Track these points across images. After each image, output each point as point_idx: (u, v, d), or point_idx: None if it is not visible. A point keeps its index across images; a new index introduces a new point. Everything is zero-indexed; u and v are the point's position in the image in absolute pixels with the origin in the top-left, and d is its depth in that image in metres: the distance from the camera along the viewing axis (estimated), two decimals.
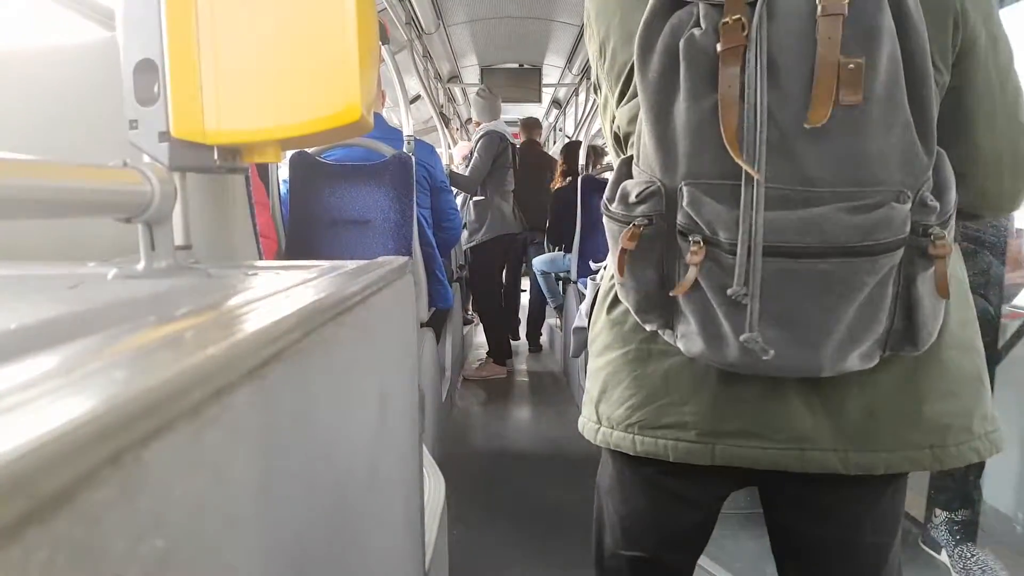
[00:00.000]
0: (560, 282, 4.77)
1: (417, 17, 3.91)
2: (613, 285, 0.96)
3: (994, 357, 1.88)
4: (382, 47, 2.90)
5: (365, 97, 0.59)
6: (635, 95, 0.85)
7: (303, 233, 2.78)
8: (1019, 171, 0.86)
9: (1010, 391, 1.86)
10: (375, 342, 0.63)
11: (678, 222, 0.79)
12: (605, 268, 1.04)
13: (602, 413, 0.98)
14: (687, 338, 0.85)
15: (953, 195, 0.77)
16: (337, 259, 0.70)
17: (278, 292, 0.47)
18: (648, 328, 0.90)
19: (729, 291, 0.76)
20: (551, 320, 5.51)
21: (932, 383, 0.88)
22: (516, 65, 5.91)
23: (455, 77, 6.22)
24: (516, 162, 4.69)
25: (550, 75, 6.11)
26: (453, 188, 4.99)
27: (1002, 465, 1.85)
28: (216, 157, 0.64)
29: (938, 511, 1.96)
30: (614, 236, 0.86)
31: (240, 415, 0.31)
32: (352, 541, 0.55)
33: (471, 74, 6.13)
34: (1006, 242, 1.89)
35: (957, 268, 0.91)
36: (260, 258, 0.91)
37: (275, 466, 0.36)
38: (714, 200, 0.76)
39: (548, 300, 5.02)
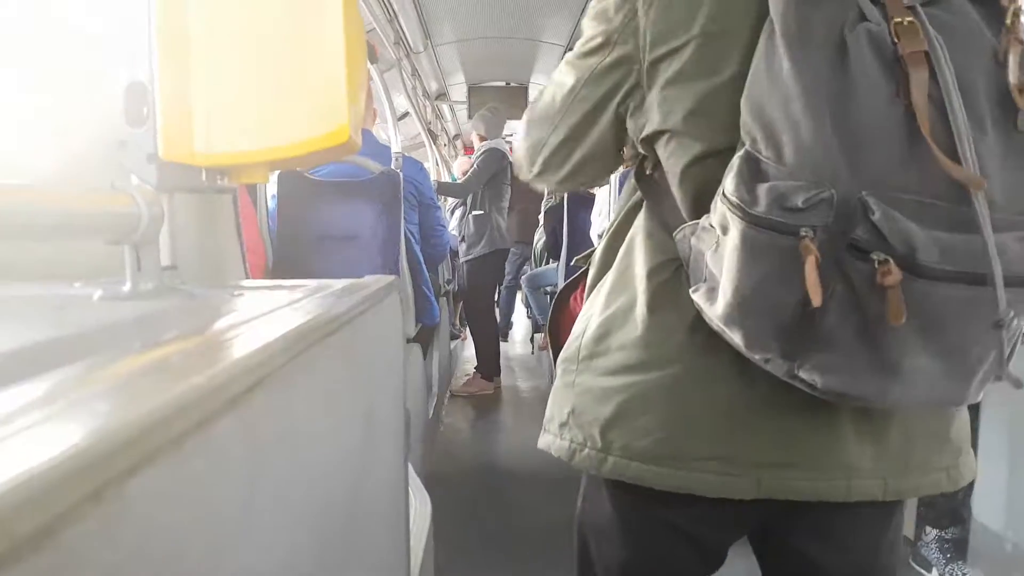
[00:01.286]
0: (548, 297, 4.78)
1: (405, 36, 3.92)
2: (648, 294, 0.87)
3: None
4: (371, 66, 2.91)
5: (353, 118, 0.59)
6: (710, 75, 0.77)
7: (291, 249, 2.77)
8: None
9: (999, 408, 1.87)
10: (360, 363, 0.63)
11: (857, 236, 0.68)
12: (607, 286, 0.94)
13: (613, 441, 0.86)
14: (826, 372, 0.74)
15: None
16: (325, 275, 0.70)
17: (262, 315, 0.47)
18: (757, 357, 0.76)
19: (997, 318, 0.68)
20: (538, 334, 5.51)
21: (955, 413, 0.87)
22: (503, 83, 5.96)
23: (443, 95, 6.26)
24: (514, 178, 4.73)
25: (536, 93, 6.17)
26: (449, 199, 5.03)
27: (992, 482, 1.86)
28: (204, 178, 0.64)
29: (928, 529, 1.96)
30: (756, 248, 0.71)
31: (223, 444, 0.30)
32: (337, 567, 0.54)
33: (458, 92, 6.17)
34: None
35: None
36: (247, 277, 0.90)
37: (258, 494, 0.36)
38: (905, 215, 0.67)
39: (538, 318, 5.03)
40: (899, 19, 0.68)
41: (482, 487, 3.00)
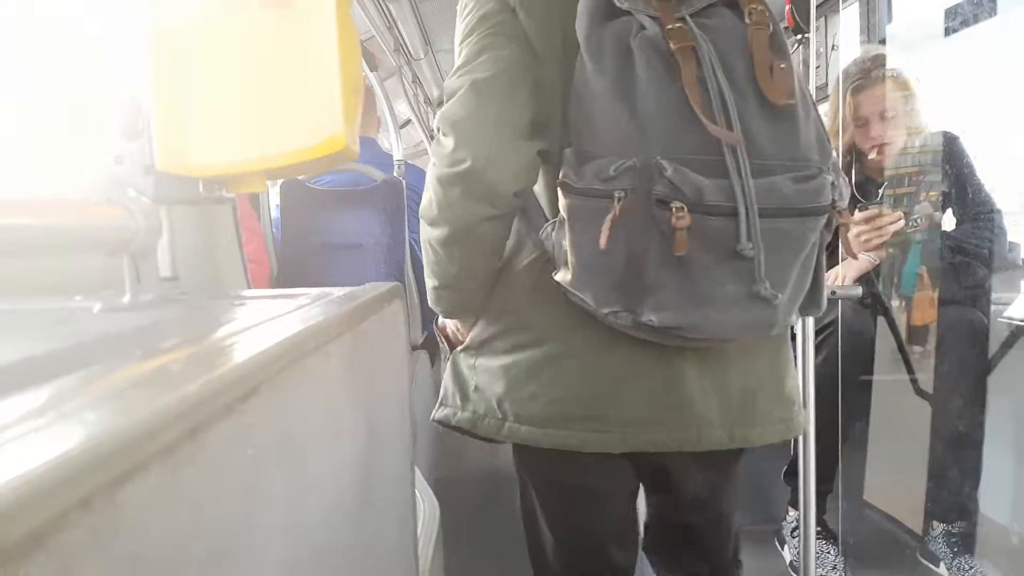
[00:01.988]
0: None
1: (405, 44, 3.94)
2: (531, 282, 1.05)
3: (985, 367, 1.88)
4: (371, 74, 2.92)
5: (349, 126, 0.60)
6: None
7: (295, 258, 2.78)
8: None
9: (1001, 399, 1.86)
10: (364, 370, 0.63)
11: (657, 191, 0.88)
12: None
13: (507, 410, 1.05)
14: (659, 311, 0.91)
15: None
16: (330, 284, 0.70)
17: (261, 323, 0.47)
18: (605, 311, 0.94)
19: (739, 247, 0.86)
20: None
21: (785, 366, 1.09)
22: None
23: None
24: None
25: None
26: None
27: (998, 476, 1.85)
28: (201, 189, 0.64)
29: (935, 524, 1.95)
30: (584, 213, 0.91)
31: (218, 452, 0.30)
32: (345, 571, 0.54)
33: None
34: (992, 252, 1.90)
35: None
36: (248, 286, 0.91)
37: (256, 502, 0.36)
38: (694, 171, 0.87)
39: None
40: (670, 25, 0.89)
41: (491, 492, 3.00)
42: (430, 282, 1.13)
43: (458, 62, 1.02)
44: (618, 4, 0.92)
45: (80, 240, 0.51)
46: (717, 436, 1.03)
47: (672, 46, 0.88)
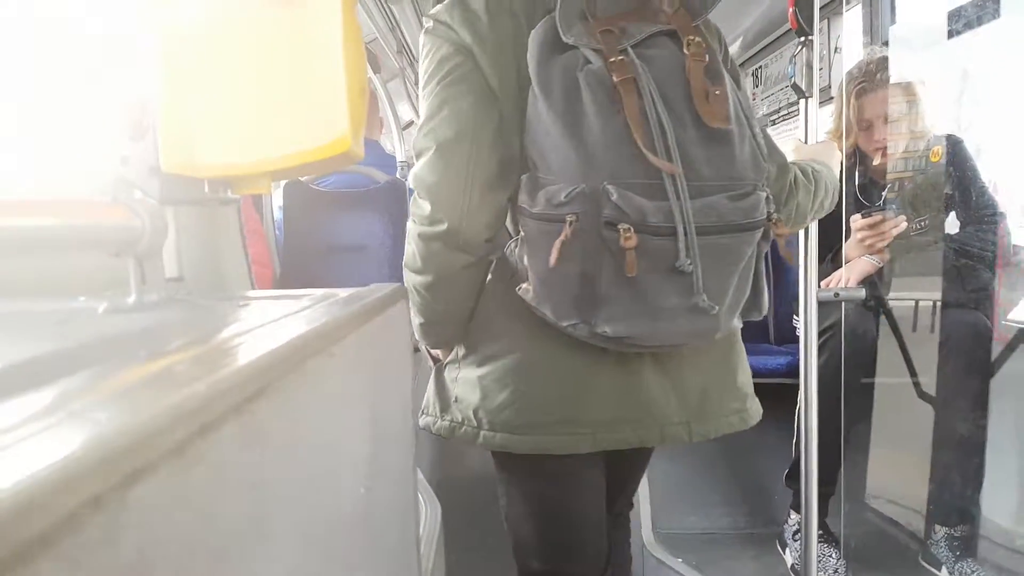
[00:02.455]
0: None
1: (408, 45, 3.94)
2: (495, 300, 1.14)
3: (988, 371, 1.88)
4: (374, 76, 2.92)
5: (354, 127, 0.60)
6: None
7: (299, 260, 2.78)
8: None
9: (1004, 403, 1.85)
10: (367, 371, 0.63)
11: (605, 215, 0.95)
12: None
13: (482, 418, 1.11)
14: (611, 322, 0.99)
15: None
16: (334, 285, 0.70)
17: (266, 324, 0.47)
18: (564, 325, 1.02)
19: (677, 263, 0.95)
20: None
21: (736, 361, 1.19)
22: None
23: None
24: None
25: None
26: None
27: (1001, 480, 1.85)
28: (207, 190, 0.64)
29: (937, 527, 1.94)
30: (539, 234, 1.00)
31: (226, 452, 0.30)
32: (347, 572, 0.54)
33: None
34: (996, 257, 1.90)
35: None
36: (253, 288, 0.91)
37: (264, 501, 0.36)
38: (638, 195, 0.94)
39: None
40: (613, 58, 0.95)
41: (492, 493, 2.98)
42: (416, 319, 1.20)
43: (422, 114, 1.09)
44: (565, 39, 0.99)
45: (86, 240, 0.51)
46: (677, 432, 1.12)
47: (615, 79, 0.95)
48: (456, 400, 1.16)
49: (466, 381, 1.15)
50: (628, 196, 0.94)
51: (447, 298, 1.15)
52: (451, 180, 1.04)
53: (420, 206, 1.07)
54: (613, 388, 1.09)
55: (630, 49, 0.97)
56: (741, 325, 1.08)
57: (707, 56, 0.98)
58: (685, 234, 0.94)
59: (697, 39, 0.98)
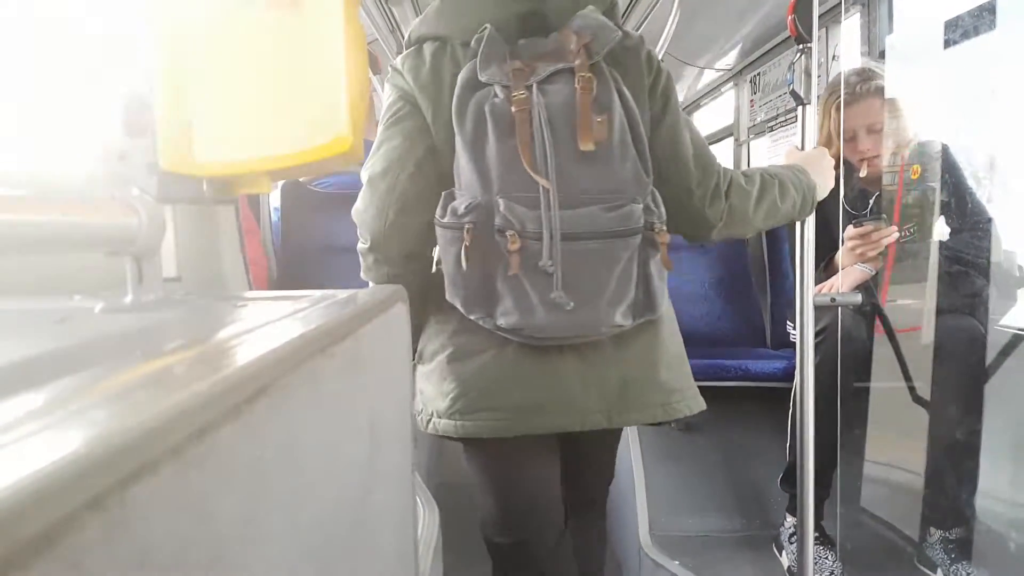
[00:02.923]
0: None
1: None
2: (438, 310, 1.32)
3: (982, 375, 1.88)
4: (373, 77, 2.92)
5: (355, 127, 0.59)
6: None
7: (296, 261, 2.77)
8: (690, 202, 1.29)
9: (998, 407, 1.86)
10: (366, 372, 0.63)
11: (496, 224, 1.15)
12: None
13: (430, 408, 1.29)
14: (506, 315, 1.18)
15: (663, 208, 1.20)
16: (331, 286, 0.70)
17: (265, 325, 0.47)
18: (473, 318, 1.21)
19: (540, 263, 1.13)
20: None
21: (658, 356, 1.31)
22: None
23: None
24: None
25: None
26: None
27: (996, 483, 1.85)
28: (205, 188, 0.64)
29: (932, 530, 1.95)
30: (448, 241, 1.20)
31: (224, 453, 0.30)
32: (344, 575, 0.54)
33: None
34: (989, 262, 1.90)
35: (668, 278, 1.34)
36: (250, 288, 0.90)
37: (261, 503, 0.35)
38: (521, 206, 1.14)
39: None
40: (516, 93, 1.15)
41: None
42: None
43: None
44: (481, 79, 1.19)
45: (82, 238, 0.51)
46: (597, 420, 1.27)
47: (513, 110, 1.15)
48: (421, 393, 1.35)
49: (422, 374, 1.35)
50: (513, 207, 1.14)
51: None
52: (374, 207, 1.27)
53: (357, 226, 1.32)
54: (534, 378, 1.25)
55: (535, 85, 1.17)
56: (630, 323, 1.22)
57: (596, 89, 1.16)
58: (551, 238, 1.13)
59: (588, 75, 1.16)
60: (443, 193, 1.23)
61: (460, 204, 1.18)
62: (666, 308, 1.32)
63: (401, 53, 1.36)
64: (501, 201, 1.15)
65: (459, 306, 1.22)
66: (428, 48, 1.30)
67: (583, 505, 1.66)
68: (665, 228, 1.19)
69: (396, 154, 1.27)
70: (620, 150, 1.16)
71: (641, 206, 1.16)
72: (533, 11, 1.28)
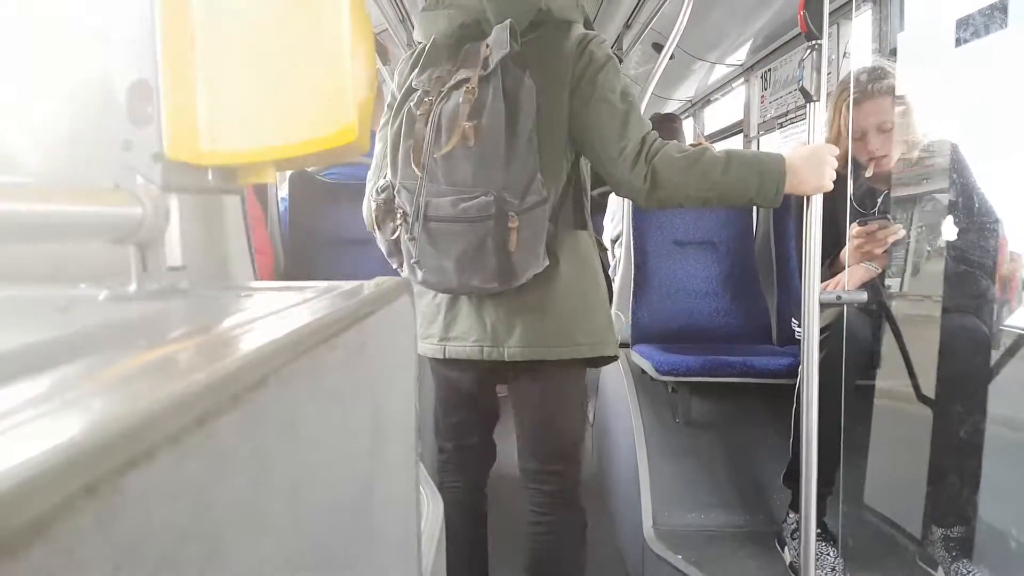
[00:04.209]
0: None
1: None
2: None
3: (987, 375, 1.88)
4: (383, 67, 2.91)
5: (361, 117, 0.59)
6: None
7: (303, 251, 2.78)
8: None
9: (1002, 406, 1.85)
10: (370, 363, 0.62)
11: (396, 203, 1.58)
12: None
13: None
14: (411, 271, 1.60)
15: (533, 198, 1.49)
16: (338, 278, 0.70)
17: (268, 315, 0.46)
18: (394, 266, 1.67)
19: (407, 236, 1.54)
20: None
21: (548, 311, 1.61)
22: None
23: None
24: None
25: None
26: None
27: (997, 481, 1.84)
28: (211, 177, 0.63)
29: (934, 528, 1.95)
30: (372, 212, 1.64)
31: (224, 442, 0.30)
32: (346, 567, 0.54)
33: None
34: (996, 264, 1.90)
35: (586, 249, 1.69)
36: (255, 277, 0.90)
37: (261, 493, 0.35)
38: (407, 191, 1.54)
39: None
40: (427, 99, 1.51)
41: (493, 491, 2.99)
42: None
43: None
44: (413, 85, 1.56)
45: (87, 226, 0.51)
46: (496, 352, 1.63)
47: (418, 113, 1.51)
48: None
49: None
50: (403, 192, 1.55)
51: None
52: (365, 196, 1.76)
53: None
54: (459, 319, 1.67)
55: (446, 91, 1.48)
56: (494, 286, 1.53)
57: (476, 98, 1.44)
58: (415, 218, 1.51)
59: (471, 86, 1.45)
60: (384, 179, 1.65)
61: (380, 184, 1.63)
62: (564, 274, 1.61)
63: (410, 43, 1.53)
64: (399, 185, 1.56)
65: (394, 263, 1.66)
66: (416, 51, 1.67)
67: (536, 480, 1.82)
68: (517, 216, 1.48)
69: (379, 158, 1.73)
70: (485, 150, 1.45)
71: (493, 198, 1.45)
72: (471, 23, 1.59)
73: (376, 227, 1.64)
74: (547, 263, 1.55)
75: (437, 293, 1.67)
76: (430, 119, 1.46)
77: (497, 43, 1.47)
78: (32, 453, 0.19)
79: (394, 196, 1.57)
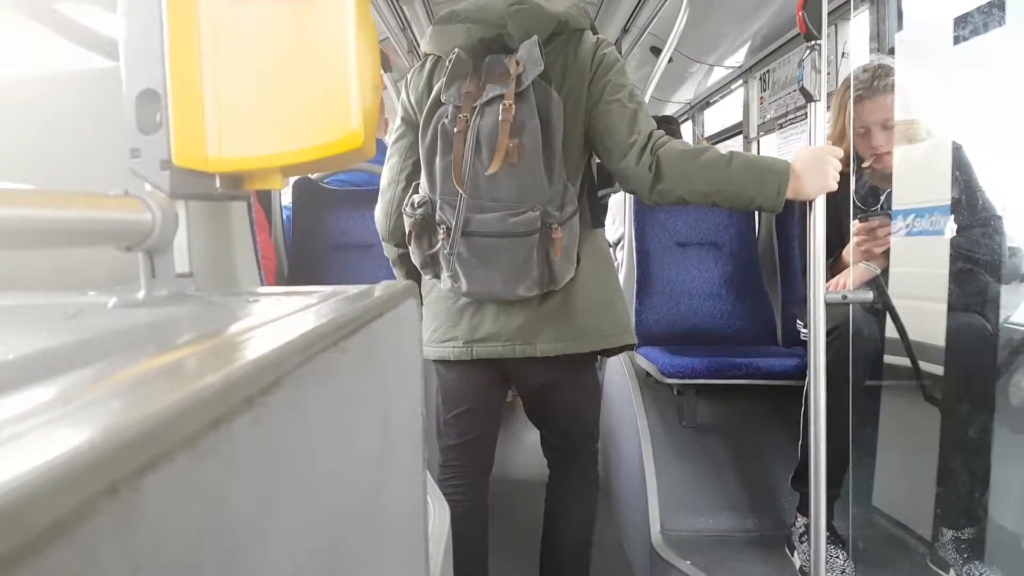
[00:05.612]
0: None
1: (418, 46, 3.94)
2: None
3: (994, 374, 1.87)
4: (384, 75, 2.92)
5: (366, 123, 0.59)
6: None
7: (307, 257, 2.78)
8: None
9: (1014, 410, 1.85)
10: (378, 367, 0.63)
11: (437, 218, 1.61)
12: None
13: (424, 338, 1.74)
14: (444, 280, 1.67)
15: (570, 208, 1.60)
16: (341, 283, 0.70)
17: (278, 319, 0.47)
18: (428, 278, 1.75)
19: (446, 251, 1.59)
20: None
21: (575, 306, 1.70)
22: None
23: None
24: None
25: None
26: None
27: (1008, 482, 1.84)
28: (218, 184, 0.64)
29: (944, 530, 1.94)
30: (409, 225, 1.67)
31: (238, 444, 0.30)
32: (354, 571, 0.54)
33: None
34: (1001, 262, 1.89)
35: (603, 245, 1.83)
36: (262, 283, 0.91)
37: (274, 495, 0.35)
38: (449, 207, 1.58)
39: None
40: (461, 115, 1.53)
41: (501, 496, 2.99)
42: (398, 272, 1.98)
43: None
44: (442, 99, 1.58)
45: (95, 233, 0.51)
46: (528, 350, 1.70)
47: (455, 130, 1.53)
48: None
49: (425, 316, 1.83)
50: (444, 207, 1.58)
51: (404, 267, 1.91)
52: (381, 212, 1.85)
53: None
54: (485, 321, 1.71)
55: (479, 107, 1.52)
56: (536, 292, 1.63)
57: (514, 116, 1.49)
58: (453, 232, 1.56)
59: (509, 103, 1.50)
60: (410, 189, 1.73)
61: (416, 199, 1.66)
62: (586, 272, 1.70)
63: (410, 51, 1.55)
64: (439, 200, 1.59)
65: (425, 272, 1.73)
66: (428, 63, 1.73)
67: (561, 453, 2.02)
68: (560, 227, 1.57)
69: (394, 172, 1.80)
70: (529, 167, 1.51)
71: (539, 212, 1.54)
72: (494, 37, 1.63)
73: (412, 241, 1.67)
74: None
75: (459, 297, 1.72)
76: (468, 137, 1.51)
77: (531, 60, 1.52)
78: (55, 454, 0.19)
79: (433, 211, 1.61)
